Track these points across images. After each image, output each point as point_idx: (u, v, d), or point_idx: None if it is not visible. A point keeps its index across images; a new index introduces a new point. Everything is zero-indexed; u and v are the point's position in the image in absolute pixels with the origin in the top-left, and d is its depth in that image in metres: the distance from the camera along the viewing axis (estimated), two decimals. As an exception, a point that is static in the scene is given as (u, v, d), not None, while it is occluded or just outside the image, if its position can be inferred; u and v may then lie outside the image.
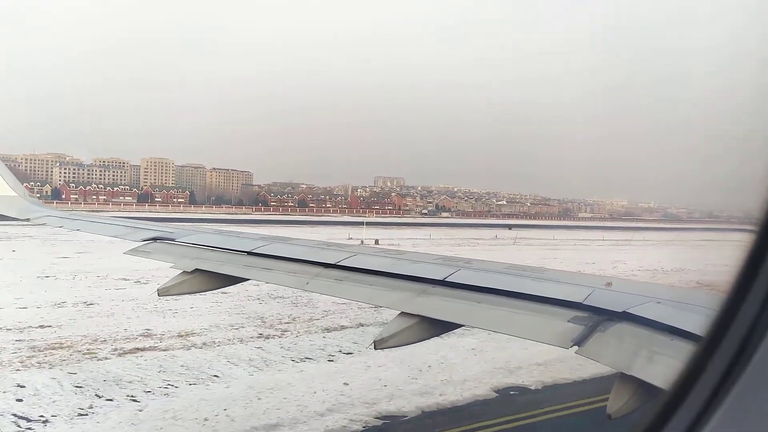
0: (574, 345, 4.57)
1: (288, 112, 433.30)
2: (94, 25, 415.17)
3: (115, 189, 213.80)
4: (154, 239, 9.39)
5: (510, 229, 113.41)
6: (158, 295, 7.70)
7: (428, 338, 6.05)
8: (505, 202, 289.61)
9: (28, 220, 13.15)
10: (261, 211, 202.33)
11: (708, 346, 2.14)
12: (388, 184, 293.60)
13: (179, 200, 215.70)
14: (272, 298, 27.70)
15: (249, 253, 7.98)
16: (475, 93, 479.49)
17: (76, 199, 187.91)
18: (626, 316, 4.59)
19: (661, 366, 3.77)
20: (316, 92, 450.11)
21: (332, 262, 7.01)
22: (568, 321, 4.86)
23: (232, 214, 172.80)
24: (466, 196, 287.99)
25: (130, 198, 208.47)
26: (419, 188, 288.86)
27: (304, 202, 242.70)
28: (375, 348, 5.88)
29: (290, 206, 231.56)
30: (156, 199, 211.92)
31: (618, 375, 4.25)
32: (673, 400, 2.20)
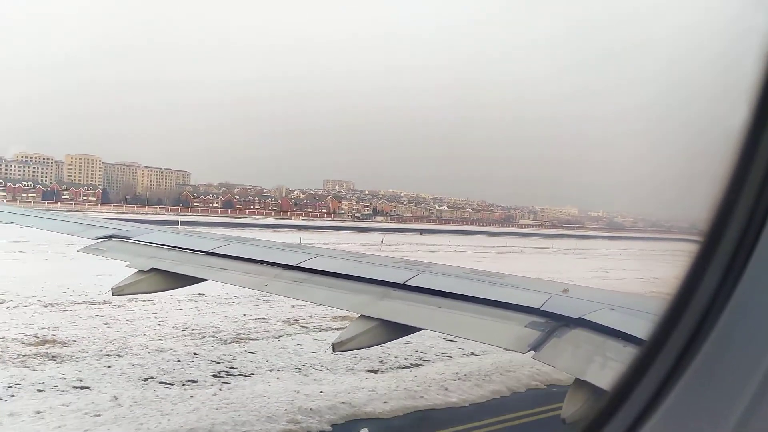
0: (530, 350, 4.92)
1: (249, 117, 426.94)
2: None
3: (17, 185, 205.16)
4: (109, 237, 9.36)
5: (421, 234, 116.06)
6: (112, 294, 7.69)
7: (387, 341, 6.45)
8: (446, 207, 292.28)
9: None
10: (178, 211, 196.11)
11: (651, 349, 2.33)
12: (336, 187, 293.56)
13: (90, 198, 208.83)
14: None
15: (208, 253, 8.10)
16: (433, 96, 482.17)
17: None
18: (582, 323, 4.96)
19: (614, 372, 4.08)
20: (276, 97, 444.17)
21: (292, 263, 7.22)
22: (525, 326, 5.21)
23: (133, 213, 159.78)
24: (409, 200, 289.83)
25: (34, 195, 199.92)
26: (366, 192, 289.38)
27: (230, 203, 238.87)
28: (333, 351, 6.11)
29: (214, 207, 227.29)
30: (63, 197, 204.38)
31: (573, 380, 4.61)
32: (616, 400, 2.36)
